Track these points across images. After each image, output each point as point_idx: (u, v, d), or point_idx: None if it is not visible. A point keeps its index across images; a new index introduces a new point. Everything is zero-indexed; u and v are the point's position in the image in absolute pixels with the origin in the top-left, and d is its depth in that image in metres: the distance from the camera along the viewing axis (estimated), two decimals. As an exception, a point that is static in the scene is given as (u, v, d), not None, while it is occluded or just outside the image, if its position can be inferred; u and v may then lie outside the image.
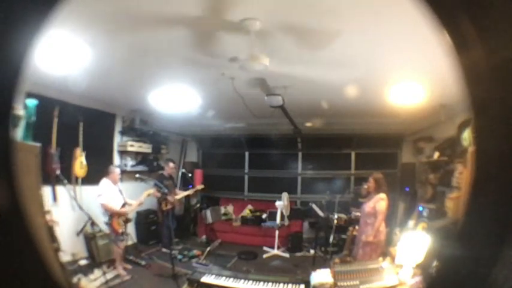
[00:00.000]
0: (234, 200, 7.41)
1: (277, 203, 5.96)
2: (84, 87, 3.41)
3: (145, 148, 6.06)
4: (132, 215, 4.96)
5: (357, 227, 4.04)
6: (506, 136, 0.65)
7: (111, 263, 4.36)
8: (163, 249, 5.33)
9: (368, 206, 3.80)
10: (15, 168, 0.71)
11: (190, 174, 6.76)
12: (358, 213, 4.24)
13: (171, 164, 5.93)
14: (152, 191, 5.05)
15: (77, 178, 4.56)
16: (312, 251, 5.60)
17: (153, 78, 3.72)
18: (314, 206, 5.42)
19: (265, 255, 5.57)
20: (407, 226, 4.56)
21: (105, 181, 4.45)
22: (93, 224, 4.00)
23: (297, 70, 3.34)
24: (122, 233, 4.41)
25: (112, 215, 4.32)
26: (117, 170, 4.69)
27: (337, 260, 3.81)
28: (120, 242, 4.37)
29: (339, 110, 4.91)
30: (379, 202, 3.71)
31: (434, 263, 2.46)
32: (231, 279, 3.23)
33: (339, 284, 2.74)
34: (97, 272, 4.03)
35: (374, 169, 5.71)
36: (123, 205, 4.52)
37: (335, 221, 5.19)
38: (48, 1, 0.71)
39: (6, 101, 0.69)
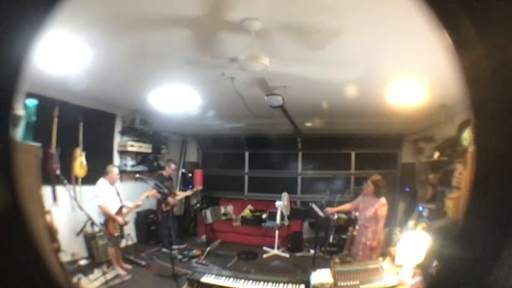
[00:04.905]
0: (234, 200, 7.41)
1: (277, 203, 5.95)
2: (84, 87, 3.40)
3: (145, 148, 6.07)
4: (130, 217, 4.93)
5: (357, 227, 4.04)
6: (506, 136, 0.65)
7: (111, 263, 4.36)
8: (163, 249, 5.33)
9: (370, 211, 3.76)
10: (15, 168, 0.71)
11: (190, 174, 6.76)
12: (358, 213, 4.24)
13: (173, 166, 5.93)
14: (151, 192, 5.03)
15: (77, 178, 4.56)
16: (312, 251, 5.60)
17: (153, 78, 3.72)
18: (314, 206, 5.42)
19: (265, 255, 5.57)
20: (407, 226, 4.56)
21: (102, 181, 4.38)
22: (93, 224, 3.99)
23: (297, 70, 3.33)
24: (117, 237, 4.38)
25: (108, 218, 4.27)
26: (115, 170, 4.59)
27: (337, 260, 3.80)
28: (116, 245, 4.35)
29: (339, 110, 4.91)
30: (382, 208, 3.68)
31: (434, 263, 2.46)
32: (231, 279, 3.22)
33: (339, 284, 2.74)
34: (97, 272, 4.03)
35: (374, 169, 5.73)
36: (121, 208, 4.46)
37: (335, 221, 5.19)
38: (48, 1, 0.71)
39: (6, 101, 0.69)
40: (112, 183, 4.47)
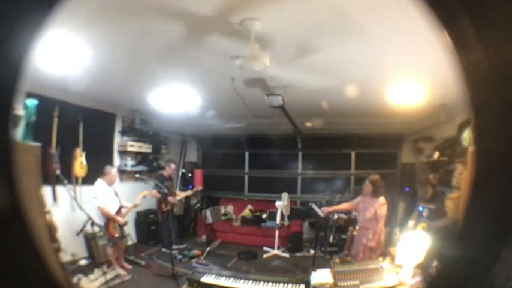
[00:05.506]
0: (234, 200, 7.41)
1: (277, 203, 5.95)
2: (84, 87, 3.40)
3: (145, 148, 6.07)
4: (130, 217, 4.90)
5: (357, 227, 4.04)
6: (506, 136, 0.65)
7: (111, 263, 4.36)
8: (163, 249, 5.33)
9: (369, 212, 3.75)
10: (15, 168, 0.71)
11: (190, 174, 6.77)
12: (357, 214, 4.24)
13: (173, 165, 5.93)
14: (148, 192, 5.00)
15: (77, 178, 4.56)
16: (312, 251, 5.60)
17: (153, 78, 3.72)
18: (314, 206, 5.42)
19: (265, 255, 5.57)
20: (407, 226, 4.56)
21: (99, 182, 4.35)
22: (93, 224, 3.99)
23: (297, 70, 3.33)
24: (118, 237, 4.37)
25: (108, 219, 4.25)
26: (113, 171, 4.56)
27: (337, 260, 3.80)
28: (116, 246, 4.34)
29: (339, 110, 4.91)
30: (381, 208, 3.68)
31: (434, 263, 2.46)
32: (231, 279, 3.23)
33: (339, 284, 2.74)
34: (97, 272, 4.03)
35: (374, 169, 5.73)
36: (119, 208, 4.45)
37: (335, 221, 5.19)
38: (48, 1, 0.71)
39: (6, 101, 0.69)
40: (110, 184, 4.44)
